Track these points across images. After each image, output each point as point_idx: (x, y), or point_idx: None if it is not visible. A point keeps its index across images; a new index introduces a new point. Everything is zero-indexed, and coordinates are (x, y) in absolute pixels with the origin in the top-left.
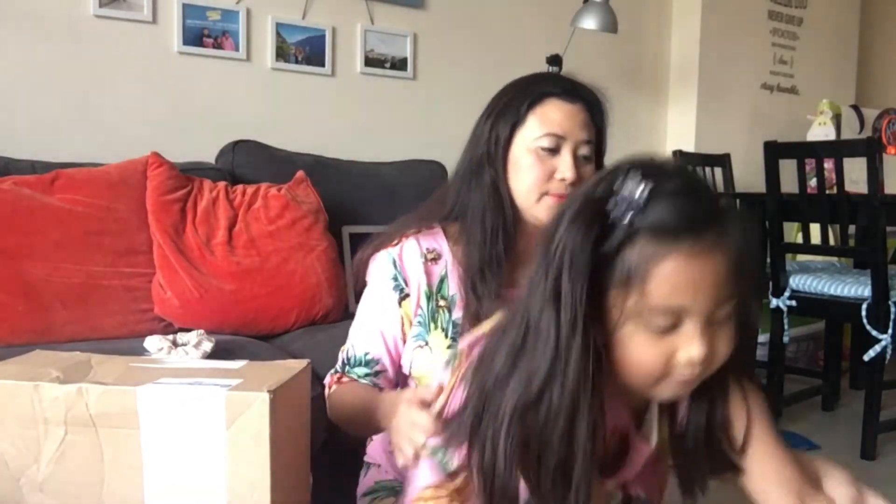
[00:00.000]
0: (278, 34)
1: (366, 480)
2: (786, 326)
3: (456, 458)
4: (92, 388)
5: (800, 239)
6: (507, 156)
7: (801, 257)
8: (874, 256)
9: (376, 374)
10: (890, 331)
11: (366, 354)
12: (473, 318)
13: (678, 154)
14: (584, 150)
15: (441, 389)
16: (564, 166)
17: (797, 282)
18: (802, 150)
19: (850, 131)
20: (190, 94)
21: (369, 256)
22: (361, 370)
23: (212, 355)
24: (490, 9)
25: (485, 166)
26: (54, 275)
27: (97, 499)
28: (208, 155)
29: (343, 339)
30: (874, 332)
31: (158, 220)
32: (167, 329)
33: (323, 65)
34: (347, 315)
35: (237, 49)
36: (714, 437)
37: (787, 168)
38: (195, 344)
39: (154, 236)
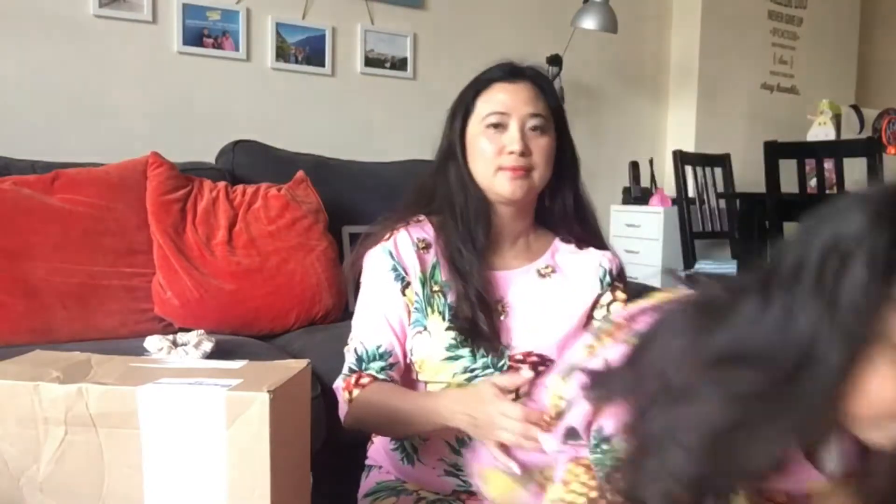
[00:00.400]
0: (278, 34)
1: (367, 482)
2: None
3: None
4: (92, 388)
5: None
6: (465, 144)
7: None
8: None
9: (391, 366)
10: None
11: (378, 347)
12: (459, 295)
13: (678, 154)
14: (532, 123)
15: (526, 382)
16: (510, 139)
17: None
18: (802, 150)
19: (850, 131)
20: (190, 94)
21: (362, 256)
22: (377, 364)
23: (212, 355)
24: (490, 9)
25: (448, 159)
26: (54, 275)
27: (97, 499)
28: (208, 155)
29: (343, 339)
30: None
31: (158, 220)
32: (167, 329)
33: (323, 65)
34: (347, 315)
35: (237, 49)
36: None
37: (787, 168)
38: (195, 344)
39: (154, 236)
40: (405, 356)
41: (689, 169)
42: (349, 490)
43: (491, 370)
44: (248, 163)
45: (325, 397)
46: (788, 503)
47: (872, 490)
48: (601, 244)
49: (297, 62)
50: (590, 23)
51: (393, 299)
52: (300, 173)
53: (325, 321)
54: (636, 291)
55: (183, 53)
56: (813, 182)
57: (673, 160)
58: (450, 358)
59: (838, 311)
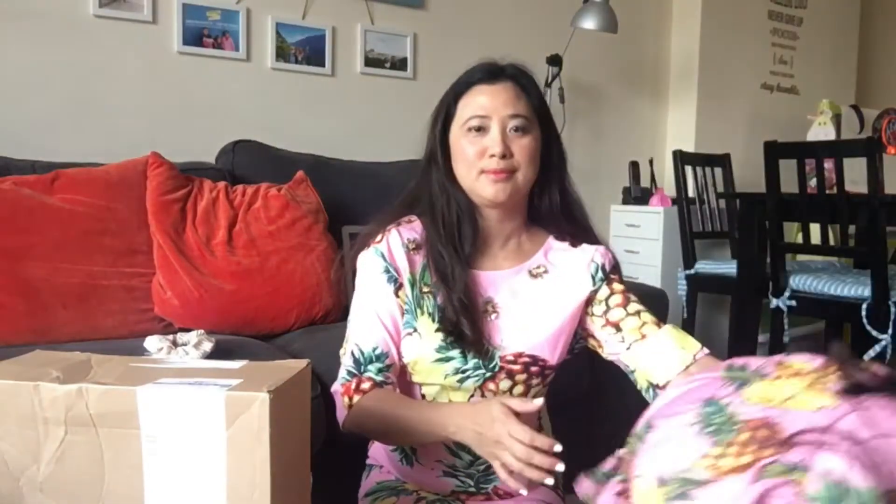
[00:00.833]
0: (278, 34)
1: (367, 482)
2: (786, 326)
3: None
4: (92, 388)
5: (800, 239)
6: (447, 148)
7: (800, 257)
8: (874, 256)
9: (388, 367)
10: (890, 331)
11: (374, 349)
12: (444, 298)
13: (678, 154)
14: (513, 123)
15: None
16: (492, 142)
17: (797, 282)
18: (802, 150)
19: (850, 131)
20: (190, 94)
21: (355, 258)
22: (374, 366)
23: (212, 355)
24: (490, 9)
25: (431, 164)
26: (54, 275)
27: (97, 499)
28: (208, 155)
29: (343, 340)
30: (874, 332)
31: (158, 220)
32: (167, 329)
33: (323, 65)
34: (347, 315)
35: (237, 49)
36: None
37: (787, 168)
38: (195, 344)
39: (154, 236)
40: (401, 357)
41: (689, 169)
42: (349, 490)
43: (482, 371)
44: (248, 163)
45: (325, 397)
46: None
47: None
48: (593, 239)
49: (296, 62)
50: (590, 23)
51: (387, 301)
52: (300, 173)
53: (325, 321)
54: (638, 295)
55: (183, 53)
56: (813, 182)
57: (673, 160)
58: (440, 359)
59: None
